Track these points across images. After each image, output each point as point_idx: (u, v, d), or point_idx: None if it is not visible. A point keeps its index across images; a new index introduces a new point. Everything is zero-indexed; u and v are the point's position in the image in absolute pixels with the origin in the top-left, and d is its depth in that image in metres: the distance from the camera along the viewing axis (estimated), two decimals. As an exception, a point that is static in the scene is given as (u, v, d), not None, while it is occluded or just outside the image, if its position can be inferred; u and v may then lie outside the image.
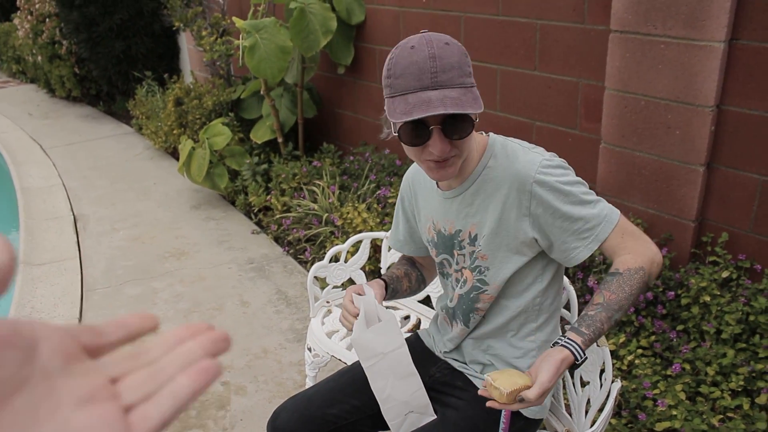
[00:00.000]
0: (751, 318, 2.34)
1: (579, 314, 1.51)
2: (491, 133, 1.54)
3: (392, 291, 1.71)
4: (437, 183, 1.59)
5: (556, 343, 1.40)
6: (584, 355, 1.35)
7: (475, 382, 1.65)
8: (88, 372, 0.38)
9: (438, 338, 1.77)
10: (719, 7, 2.32)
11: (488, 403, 1.35)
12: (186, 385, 0.38)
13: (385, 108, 1.40)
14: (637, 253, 1.43)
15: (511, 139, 1.52)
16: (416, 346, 1.80)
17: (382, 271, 2.48)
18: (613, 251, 1.45)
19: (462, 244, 1.57)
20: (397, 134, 1.40)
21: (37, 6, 7.25)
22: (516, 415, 1.60)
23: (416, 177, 1.69)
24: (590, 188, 1.49)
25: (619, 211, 1.47)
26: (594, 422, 1.68)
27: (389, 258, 2.44)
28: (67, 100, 8.02)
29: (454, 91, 1.30)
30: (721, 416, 2.21)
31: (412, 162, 1.63)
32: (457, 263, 1.61)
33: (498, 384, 1.32)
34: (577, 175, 1.46)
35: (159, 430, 0.38)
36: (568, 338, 1.38)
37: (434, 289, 2.37)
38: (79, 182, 5.32)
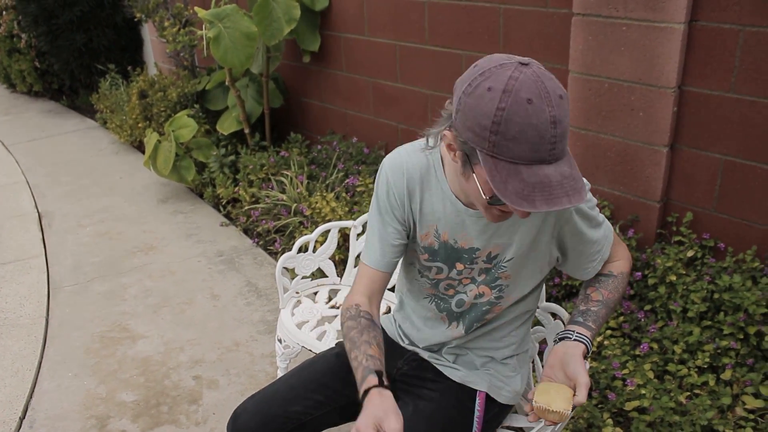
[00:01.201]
0: (716, 296, 2.37)
1: (577, 308, 1.55)
2: None
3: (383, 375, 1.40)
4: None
5: (566, 338, 1.45)
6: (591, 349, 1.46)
7: (446, 372, 1.64)
8: None
9: (412, 332, 1.70)
10: (679, -11, 2.33)
11: (546, 424, 1.44)
12: None
13: (467, 155, 1.23)
14: (624, 259, 1.59)
15: None
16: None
17: (350, 260, 2.47)
18: (610, 261, 1.59)
19: (475, 260, 1.50)
20: (476, 181, 1.25)
21: (-7, -1, 7.09)
22: (489, 402, 1.61)
23: (417, 175, 1.48)
24: None
25: (609, 225, 1.55)
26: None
27: (357, 247, 2.43)
28: (29, 95, 7.86)
29: (565, 162, 1.16)
30: (689, 393, 2.25)
31: (383, 150, 1.57)
32: (459, 273, 1.54)
33: (555, 407, 1.33)
34: None
35: None
36: (579, 333, 1.46)
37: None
38: (43, 179, 5.22)
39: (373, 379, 1.34)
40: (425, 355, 1.68)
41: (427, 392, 1.61)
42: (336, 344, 1.77)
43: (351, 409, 1.59)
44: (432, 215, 1.49)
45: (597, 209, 1.49)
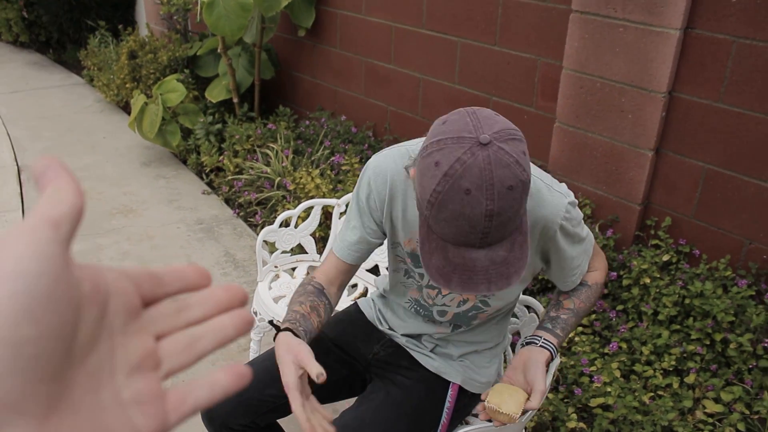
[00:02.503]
0: (687, 301, 2.42)
1: (547, 314, 1.60)
2: None
3: (304, 334, 1.41)
4: None
5: (533, 343, 1.49)
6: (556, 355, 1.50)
7: (421, 360, 1.65)
8: (140, 330, 0.38)
9: (394, 320, 1.70)
10: (678, -5, 2.35)
11: (495, 425, 1.46)
12: (222, 380, 0.40)
13: (418, 225, 1.26)
14: (601, 269, 1.62)
15: (532, 168, 1.36)
16: (356, 319, 1.77)
17: (331, 238, 2.47)
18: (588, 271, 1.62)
19: None
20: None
21: (-15, -56, 6.94)
22: (461, 393, 1.63)
23: (401, 182, 1.46)
24: (543, 167, 1.54)
25: (592, 236, 1.56)
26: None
27: (339, 226, 2.43)
28: (14, 45, 7.72)
29: (503, 245, 1.16)
30: (652, 394, 2.30)
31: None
32: None
33: (505, 409, 1.36)
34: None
35: (189, 417, 0.39)
36: (545, 340, 1.50)
37: (382, 258, 2.38)
38: (25, 132, 5.15)
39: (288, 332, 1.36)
40: (402, 341, 1.68)
41: (400, 379, 1.62)
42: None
43: (324, 393, 1.60)
44: (415, 222, 1.46)
45: (582, 224, 1.47)
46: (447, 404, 1.60)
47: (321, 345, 1.62)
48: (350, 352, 1.71)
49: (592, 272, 1.61)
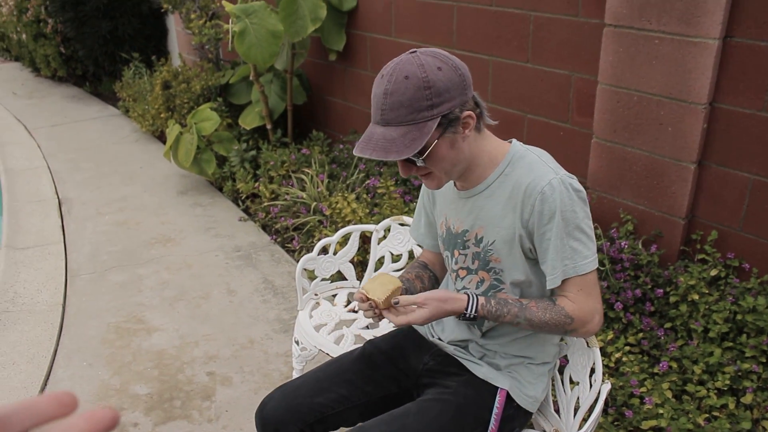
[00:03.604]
0: (739, 317, 2.34)
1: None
2: (514, 141, 1.55)
3: (406, 293, 1.65)
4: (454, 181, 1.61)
5: (466, 294, 1.51)
6: (472, 315, 1.49)
7: (469, 366, 1.66)
8: None
9: (437, 326, 1.77)
10: (715, 3, 2.30)
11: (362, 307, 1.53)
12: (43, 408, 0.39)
13: None
14: (579, 309, 1.50)
15: (533, 149, 1.53)
16: (408, 332, 1.82)
17: (370, 264, 2.46)
18: (563, 294, 1.52)
19: (467, 244, 1.60)
20: None
21: (22, -17, 7.13)
22: (508, 401, 1.62)
23: None
24: (582, 183, 1.53)
25: (594, 265, 1.49)
26: (583, 422, 1.68)
27: (379, 251, 2.42)
28: (53, 80, 7.91)
29: (397, 129, 1.36)
30: (707, 415, 2.22)
31: None
32: (456, 263, 1.64)
33: (372, 295, 1.48)
34: (582, 193, 1.48)
35: None
36: (474, 302, 1.49)
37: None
38: (64, 164, 5.25)
39: None
40: (450, 349, 1.71)
41: (448, 381, 1.66)
42: (366, 343, 1.84)
43: (371, 408, 1.69)
44: (442, 204, 1.68)
45: (579, 221, 1.45)
46: (495, 410, 1.60)
47: (373, 360, 1.75)
48: (401, 365, 1.75)
49: (568, 301, 1.50)
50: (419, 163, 1.43)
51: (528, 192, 1.44)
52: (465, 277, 1.64)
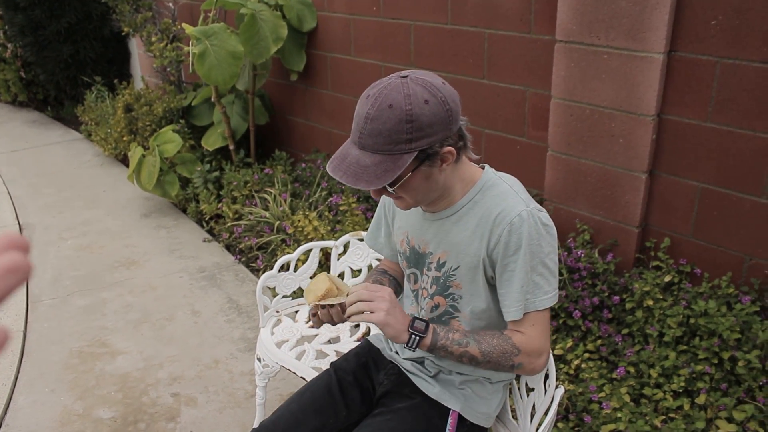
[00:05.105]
0: (692, 321, 2.41)
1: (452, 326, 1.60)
2: (486, 167, 1.55)
3: None
4: None
5: (422, 322, 1.48)
6: (414, 347, 1.47)
7: (421, 386, 1.66)
8: None
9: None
10: (659, 20, 2.38)
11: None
12: None
13: None
14: (528, 342, 1.49)
15: (505, 177, 1.53)
16: (367, 351, 1.83)
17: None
18: (514, 328, 1.51)
19: (430, 266, 1.60)
20: None
21: (-20, 9, 7.06)
22: (460, 421, 1.63)
23: None
24: (539, 195, 1.55)
25: (553, 301, 1.49)
26: (539, 427, 1.72)
27: (338, 267, 2.44)
28: (13, 105, 7.81)
29: (372, 156, 1.34)
30: (664, 417, 2.27)
31: None
32: (424, 281, 1.63)
33: (305, 294, 1.54)
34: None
35: None
36: (423, 329, 1.47)
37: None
38: (25, 190, 5.20)
39: None
40: (407, 365, 1.71)
41: (398, 406, 1.65)
42: (330, 364, 1.83)
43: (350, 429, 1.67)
44: (402, 221, 1.67)
45: (544, 257, 1.44)
46: (448, 429, 1.61)
47: (342, 384, 1.74)
48: (366, 384, 1.77)
49: (518, 333, 1.50)
50: (390, 190, 1.41)
51: (497, 221, 1.44)
52: (425, 299, 1.64)
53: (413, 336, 1.46)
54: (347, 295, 1.49)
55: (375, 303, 1.45)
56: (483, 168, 1.55)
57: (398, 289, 1.83)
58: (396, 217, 1.71)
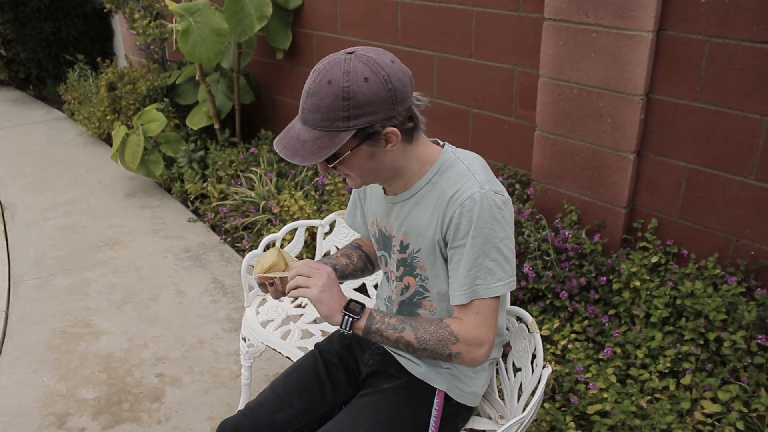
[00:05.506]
0: (678, 302, 2.41)
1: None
2: (446, 146, 1.50)
3: (331, 267, 1.62)
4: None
5: (358, 304, 1.47)
6: (348, 329, 1.45)
7: (407, 366, 1.65)
8: None
9: None
10: (648, -2, 2.36)
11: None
12: None
13: None
14: (467, 331, 1.45)
15: (465, 157, 1.48)
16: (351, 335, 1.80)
17: (316, 259, 2.46)
18: (458, 314, 1.47)
19: (394, 249, 1.58)
20: None
21: (-41, -16, 6.92)
22: (447, 401, 1.62)
23: None
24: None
25: (506, 289, 1.44)
26: (526, 406, 1.71)
27: (324, 246, 2.42)
28: (-6, 84, 7.70)
29: (311, 132, 1.33)
30: (649, 397, 2.28)
31: None
32: (391, 264, 1.62)
33: (254, 267, 1.58)
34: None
35: None
36: (353, 313, 1.45)
37: (371, 278, 2.37)
38: (7, 170, 5.12)
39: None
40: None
41: (384, 386, 1.64)
42: (315, 345, 1.82)
43: (331, 417, 1.65)
44: (372, 204, 1.65)
45: (497, 241, 1.40)
46: (434, 411, 1.60)
47: (327, 365, 1.74)
48: (351, 365, 1.76)
49: (457, 320, 1.46)
50: (330, 167, 1.40)
51: (450, 203, 1.41)
52: (393, 282, 1.63)
53: (346, 317, 1.44)
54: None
55: (312, 279, 1.44)
56: (443, 146, 1.50)
57: (368, 266, 1.83)
58: (366, 199, 1.69)
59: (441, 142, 1.52)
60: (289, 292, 1.47)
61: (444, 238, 1.44)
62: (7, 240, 3.97)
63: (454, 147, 1.52)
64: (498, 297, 1.44)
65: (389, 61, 1.33)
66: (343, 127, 1.31)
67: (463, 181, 1.41)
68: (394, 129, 1.34)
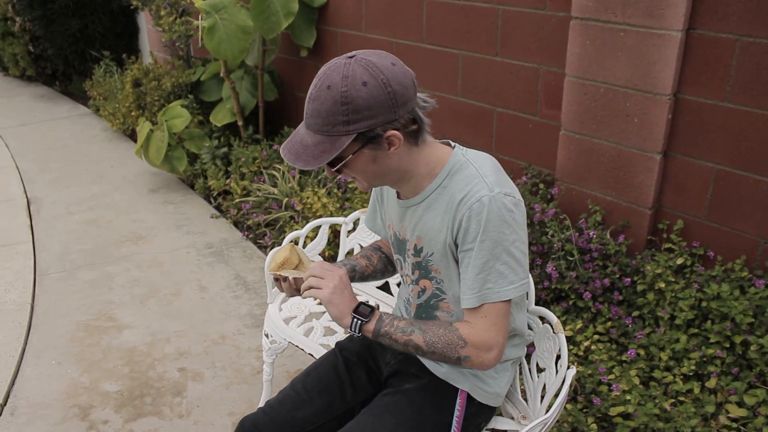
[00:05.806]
0: (704, 304, 2.38)
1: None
2: (457, 148, 1.49)
3: (351, 269, 1.71)
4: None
5: (368, 307, 1.48)
6: (357, 331, 1.47)
7: (429, 366, 1.64)
8: None
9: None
10: (678, -4, 2.33)
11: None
12: None
13: None
14: (475, 335, 1.44)
15: (476, 158, 1.46)
16: None
17: (340, 256, 2.46)
18: (468, 317, 1.47)
19: (409, 252, 1.58)
20: None
21: (-12, -19, 7.03)
22: (469, 401, 1.61)
23: None
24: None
25: (517, 293, 1.42)
26: (549, 407, 1.70)
27: (348, 243, 2.42)
28: (21, 80, 7.80)
29: (313, 136, 1.34)
30: (673, 400, 2.26)
31: None
32: (406, 267, 1.62)
33: (270, 264, 1.57)
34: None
35: None
36: (362, 316, 1.46)
37: (394, 276, 2.36)
38: (33, 164, 5.18)
39: None
40: None
41: (407, 386, 1.64)
42: (336, 344, 1.83)
43: (351, 416, 1.66)
44: (388, 209, 1.65)
45: (508, 244, 1.39)
46: (456, 412, 1.59)
47: (348, 364, 1.74)
48: (371, 363, 1.76)
49: (466, 324, 1.46)
50: (334, 171, 1.40)
51: (459, 207, 1.40)
52: (409, 285, 1.63)
53: (355, 320, 1.46)
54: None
55: (324, 281, 1.46)
56: (453, 147, 1.49)
57: (388, 267, 1.83)
58: (383, 203, 1.69)
59: (452, 144, 1.51)
60: (303, 293, 1.49)
61: (455, 242, 1.44)
62: (33, 234, 4.02)
63: (464, 148, 1.50)
64: (509, 300, 1.43)
65: (390, 65, 1.33)
66: (344, 132, 1.31)
67: (472, 184, 1.40)
68: (396, 132, 1.34)
